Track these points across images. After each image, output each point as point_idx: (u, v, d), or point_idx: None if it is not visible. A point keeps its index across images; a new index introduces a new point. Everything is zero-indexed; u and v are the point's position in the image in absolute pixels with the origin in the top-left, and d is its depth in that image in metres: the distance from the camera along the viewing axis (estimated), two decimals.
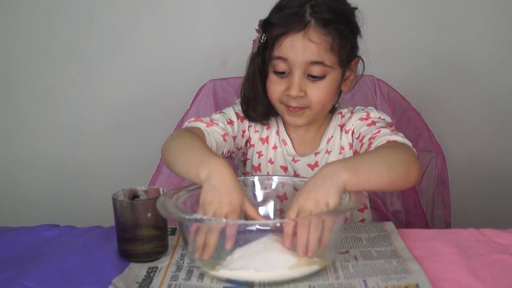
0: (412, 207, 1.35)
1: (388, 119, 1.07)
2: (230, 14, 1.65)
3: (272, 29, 0.99)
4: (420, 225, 1.33)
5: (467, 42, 1.68)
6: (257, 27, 1.02)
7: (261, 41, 1.01)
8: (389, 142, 0.93)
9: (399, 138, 0.94)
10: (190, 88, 1.44)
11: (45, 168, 1.77)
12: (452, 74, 1.70)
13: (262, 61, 1.02)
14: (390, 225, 0.96)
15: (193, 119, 1.05)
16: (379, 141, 0.94)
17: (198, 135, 0.97)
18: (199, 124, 1.02)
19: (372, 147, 0.95)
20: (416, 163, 0.88)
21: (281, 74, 1.00)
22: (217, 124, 1.03)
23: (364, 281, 0.75)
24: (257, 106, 1.06)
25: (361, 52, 1.07)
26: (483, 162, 1.76)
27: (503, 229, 0.91)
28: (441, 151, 1.45)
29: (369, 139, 0.98)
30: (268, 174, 1.11)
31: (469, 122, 1.73)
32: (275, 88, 1.02)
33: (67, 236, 0.95)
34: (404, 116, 1.43)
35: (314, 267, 0.76)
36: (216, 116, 1.08)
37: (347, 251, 0.85)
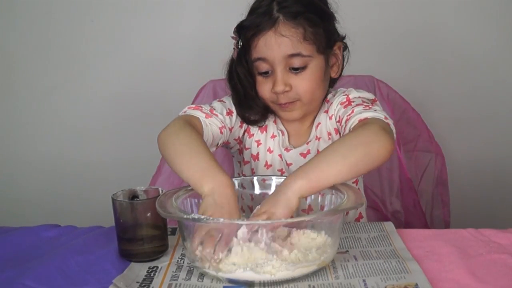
0: (411, 207, 1.36)
1: (369, 96, 1.07)
2: (230, 14, 1.65)
3: (246, 32, 1.01)
4: (419, 225, 1.34)
5: (468, 43, 1.68)
6: (232, 34, 1.03)
7: (239, 46, 1.02)
8: (360, 121, 0.95)
9: (370, 113, 0.95)
10: (191, 89, 1.44)
11: (46, 168, 1.77)
12: (451, 74, 1.71)
13: (246, 66, 1.03)
14: (389, 225, 0.96)
15: (193, 106, 1.05)
16: (352, 121, 0.96)
17: (199, 131, 0.97)
18: (198, 114, 1.02)
19: (347, 130, 0.97)
20: (381, 138, 0.87)
21: (265, 74, 1.02)
22: (216, 116, 1.04)
23: (364, 281, 0.75)
24: (254, 109, 1.07)
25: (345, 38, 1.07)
26: (483, 162, 1.76)
27: (502, 229, 0.92)
28: (441, 151, 1.46)
29: (345, 121, 1.00)
30: (266, 163, 1.12)
31: (469, 122, 1.74)
32: (264, 88, 1.03)
33: (67, 236, 0.95)
34: (403, 116, 1.44)
35: (313, 267, 0.76)
36: (216, 105, 1.08)
37: (347, 251, 0.86)
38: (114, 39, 1.68)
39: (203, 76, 1.46)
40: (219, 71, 1.48)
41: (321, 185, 0.82)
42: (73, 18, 1.67)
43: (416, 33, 1.67)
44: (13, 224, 1.03)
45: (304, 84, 1.01)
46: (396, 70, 1.63)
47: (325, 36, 1.02)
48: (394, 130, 0.95)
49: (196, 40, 1.68)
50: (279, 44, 0.98)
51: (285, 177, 0.98)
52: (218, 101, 1.10)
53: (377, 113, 0.95)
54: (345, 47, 1.08)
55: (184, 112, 1.04)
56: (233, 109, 1.09)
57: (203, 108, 1.04)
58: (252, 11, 1.03)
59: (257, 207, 0.82)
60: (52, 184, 1.78)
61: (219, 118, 1.04)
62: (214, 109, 1.05)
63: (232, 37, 1.04)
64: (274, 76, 1.01)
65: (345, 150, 0.85)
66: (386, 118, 0.95)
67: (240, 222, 0.78)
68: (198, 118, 1.01)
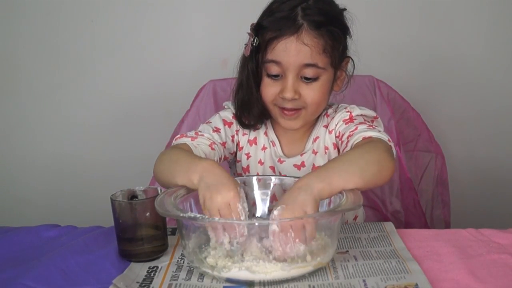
0: (411, 207, 1.36)
1: (371, 113, 1.08)
2: (230, 14, 1.66)
3: (265, 32, 1.00)
4: (419, 225, 1.34)
5: (467, 42, 1.68)
6: (249, 31, 1.02)
7: (254, 44, 1.01)
8: (364, 138, 0.95)
9: (374, 133, 0.95)
10: (191, 89, 1.44)
11: (46, 168, 1.77)
12: (451, 74, 1.71)
13: (255, 65, 1.02)
14: (389, 225, 0.96)
15: (178, 136, 1.05)
16: (355, 138, 0.96)
17: (184, 150, 0.98)
18: (184, 140, 1.02)
19: (349, 145, 0.97)
20: (388, 159, 0.88)
21: (274, 77, 1.01)
22: (202, 136, 1.04)
23: (364, 281, 0.75)
24: (253, 109, 1.06)
25: (352, 52, 1.07)
26: (483, 162, 1.76)
27: (502, 229, 0.92)
28: (441, 151, 1.46)
29: (347, 137, 1.00)
30: (257, 175, 1.11)
31: (469, 122, 1.73)
32: (269, 90, 1.03)
33: (67, 236, 0.95)
34: (403, 116, 1.44)
35: (308, 268, 0.76)
36: (202, 127, 1.09)
37: (347, 251, 0.86)
38: (114, 39, 1.68)
39: (203, 76, 1.47)
40: (219, 71, 1.49)
41: (337, 191, 0.82)
42: (73, 18, 1.67)
43: (416, 33, 1.67)
44: (13, 224, 1.03)
45: (312, 94, 1.01)
46: (396, 70, 1.63)
47: (341, 51, 1.02)
48: (394, 153, 0.95)
49: (196, 40, 1.68)
50: (298, 51, 0.97)
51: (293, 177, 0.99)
52: (204, 123, 1.12)
53: (381, 134, 0.96)
54: (352, 63, 1.08)
55: (172, 144, 1.05)
56: (220, 126, 1.10)
57: (187, 134, 1.05)
58: (272, 12, 1.01)
59: (278, 208, 0.78)
60: (52, 184, 1.78)
61: (205, 137, 1.04)
62: (200, 131, 1.07)
63: (249, 34, 1.03)
64: (284, 81, 1.00)
65: (363, 164, 0.85)
66: (389, 140, 0.95)
67: (237, 221, 0.78)
68: (185, 143, 1.02)
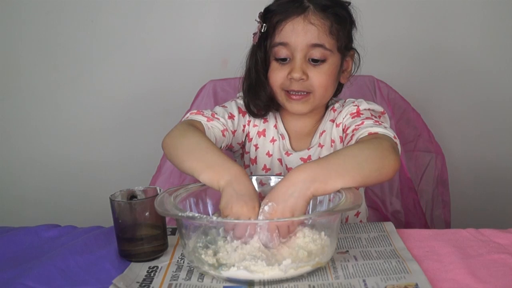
0: (411, 207, 1.36)
1: (378, 108, 1.08)
2: (230, 14, 1.66)
3: (272, 17, 1.02)
4: (419, 225, 1.34)
5: (467, 42, 1.68)
6: (257, 19, 1.04)
7: (262, 30, 1.03)
8: (370, 134, 0.95)
9: (380, 129, 0.95)
10: (191, 89, 1.44)
11: (46, 168, 1.77)
12: (451, 74, 1.71)
13: (263, 52, 1.04)
14: (389, 225, 0.96)
15: (195, 111, 1.05)
16: (361, 133, 0.96)
17: (200, 131, 0.98)
18: (200, 118, 1.03)
19: (353, 139, 0.97)
20: (391, 156, 0.87)
21: (282, 60, 1.03)
22: (218, 119, 1.05)
23: (364, 281, 0.75)
24: (260, 94, 1.07)
25: (356, 46, 1.09)
26: (483, 162, 1.76)
27: (502, 229, 0.92)
28: (441, 151, 1.46)
29: (352, 130, 1.00)
30: (265, 167, 1.13)
31: (469, 122, 1.74)
32: (277, 74, 1.04)
33: (67, 236, 0.95)
34: (403, 116, 1.44)
35: (307, 268, 0.76)
36: (218, 110, 1.09)
37: (347, 251, 0.86)
38: (114, 39, 1.68)
39: (203, 76, 1.47)
40: (219, 71, 1.49)
41: (334, 189, 0.81)
42: (74, 18, 1.67)
43: (416, 33, 1.67)
44: (13, 224, 1.03)
45: (320, 77, 1.02)
46: (396, 70, 1.63)
47: (347, 36, 1.05)
48: (400, 150, 0.94)
49: (196, 40, 1.68)
50: (306, 31, 0.99)
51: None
52: (220, 106, 1.12)
53: (387, 130, 0.95)
54: (358, 56, 1.10)
55: (186, 117, 1.05)
56: (235, 113, 1.10)
57: (204, 113, 1.05)
58: None
59: (269, 204, 0.79)
60: (52, 184, 1.78)
61: (220, 122, 1.05)
62: (216, 113, 1.07)
63: (257, 21, 1.04)
64: (292, 64, 1.02)
65: (362, 159, 0.85)
66: (395, 137, 0.95)
67: (235, 221, 0.78)
68: (200, 122, 1.02)
